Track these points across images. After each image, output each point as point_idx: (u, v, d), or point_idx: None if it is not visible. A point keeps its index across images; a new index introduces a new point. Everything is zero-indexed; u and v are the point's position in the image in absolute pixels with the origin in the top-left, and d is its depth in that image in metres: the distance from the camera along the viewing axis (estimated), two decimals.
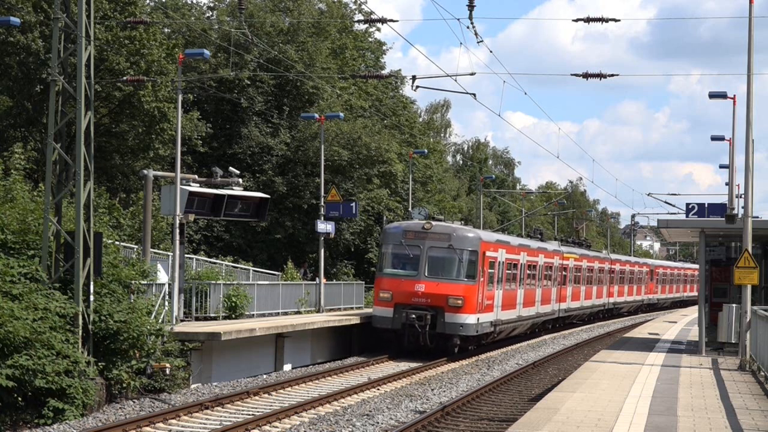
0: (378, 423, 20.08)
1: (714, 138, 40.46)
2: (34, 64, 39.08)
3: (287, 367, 30.64)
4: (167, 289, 27.08)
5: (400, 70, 64.24)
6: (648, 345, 30.67)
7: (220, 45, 47.49)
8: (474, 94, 32.44)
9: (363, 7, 56.64)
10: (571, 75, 31.10)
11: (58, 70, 22.23)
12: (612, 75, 27.57)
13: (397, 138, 55.70)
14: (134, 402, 22.37)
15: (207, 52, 29.63)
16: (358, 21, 61.58)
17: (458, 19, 26.27)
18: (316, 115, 41.60)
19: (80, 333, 21.22)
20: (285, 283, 38.24)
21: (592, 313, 59.11)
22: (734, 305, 27.10)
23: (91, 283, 21.91)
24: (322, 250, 39.15)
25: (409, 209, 40.22)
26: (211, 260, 38.76)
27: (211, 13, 54.83)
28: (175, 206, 27.97)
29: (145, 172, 29.98)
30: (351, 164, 50.33)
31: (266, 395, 23.88)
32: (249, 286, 33.98)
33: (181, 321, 28.41)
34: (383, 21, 27.12)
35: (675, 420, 15.60)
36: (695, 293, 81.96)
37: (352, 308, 41.06)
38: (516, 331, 41.07)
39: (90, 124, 22.27)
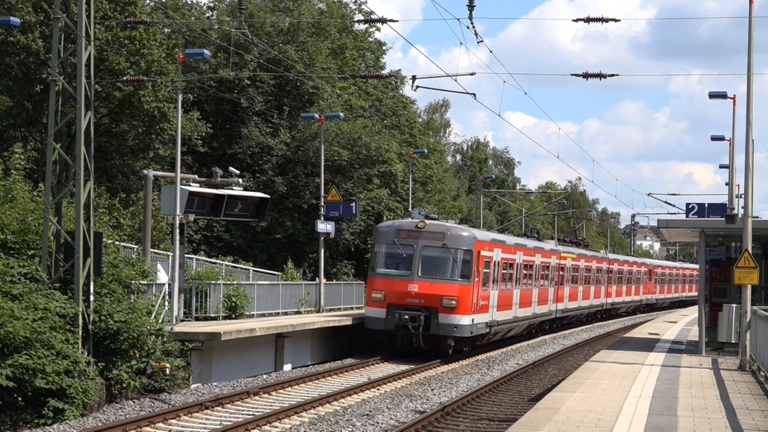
0: (378, 423, 20.08)
1: (714, 138, 40.45)
2: (34, 64, 39.08)
3: (287, 367, 30.64)
4: (167, 289, 27.09)
5: (400, 70, 64.27)
6: (648, 345, 30.67)
7: (220, 45, 47.48)
8: (474, 94, 32.45)
9: (363, 7, 56.64)
10: (571, 75, 31.13)
11: (58, 70, 22.23)
12: (612, 75, 27.56)
13: (397, 138, 55.69)
14: (134, 402, 22.37)
15: (207, 52, 29.62)
16: (358, 21, 61.59)
17: (458, 19, 26.30)
18: (316, 115, 41.58)
19: (80, 333, 21.22)
20: (285, 283, 38.24)
21: (590, 313, 58.71)
22: (734, 305, 27.10)
23: (91, 283, 21.91)
24: (322, 250, 39.15)
25: (409, 209, 40.04)
26: (211, 260, 38.75)
27: (211, 13, 54.82)
28: (175, 206, 27.97)
29: (145, 172, 29.98)
30: (351, 164, 50.32)
31: (266, 395, 23.88)
32: (249, 286, 33.97)
33: (181, 321, 28.41)
34: (383, 21, 27.12)
35: (675, 420, 15.60)
36: (694, 293, 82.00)
37: (352, 308, 41.04)
38: (512, 332, 40.57)
39: (90, 124, 22.27)
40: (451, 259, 32.62)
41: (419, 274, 32.39)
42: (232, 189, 31.11)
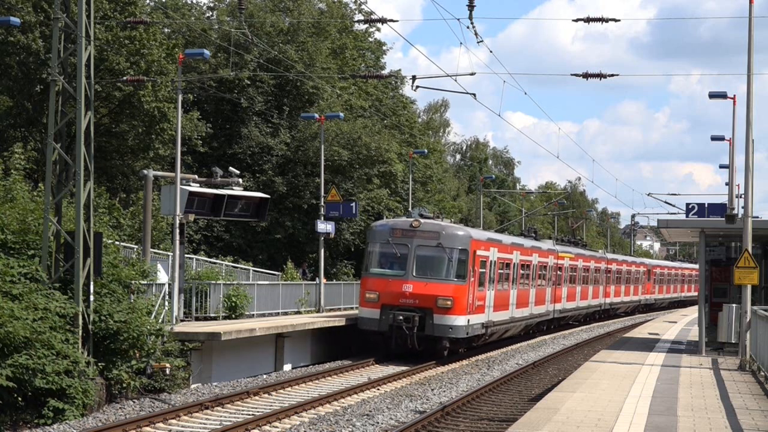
0: (378, 423, 20.08)
1: (714, 138, 40.45)
2: (34, 64, 39.09)
3: (287, 367, 30.64)
4: (167, 289, 27.09)
5: (400, 70, 64.27)
6: (648, 345, 30.67)
7: (220, 45, 47.49)
8: (474, 94, 32.42)
9: (363, 7, 56.66)
10: (571, 75, 31.13)
11: (58, 70, 22.23)
12: (612, 75, 27.55)
13: (397, 138, 55.70)
14: (134, 402, 22.37)
15: (207, 52, 29.61)
16: (358, 21, 61.58)
17: (458, 19, 26.30)
18: (316, 115, 41.57)
19: (80, 333, 21.22)
20: (285, 283, 38.23)
21: (588, 313, 58.36)
22: (734, 305, 27.11)
23: (91, 283, 21.91)
24: (322, 250, 39.14)
25: (409, 209, 39.97)
26: (211, 260, 38.75)
27: (211, 13, 54.83)
28: (175, 206, 27.97)
29: (145, 172, 29.98)
30: (351, 164, 50.32)
31: (266, 395, 23.88)
32: (249, 286, 33.96)
33: (181, 321, 28.42)
34: (383, 21, 27.13)
35: (675, 420, 15.60)
36: (693, 293, 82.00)
37: (352, 308, 40.99)
38: (509, 333, 40.02)
39: (90, 124, 22.27)
40: (446, 258, 32.05)
41: (414, 274, 31.83)
42: (232, 189, 31.11)
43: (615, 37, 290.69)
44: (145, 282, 26.37)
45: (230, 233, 48.12)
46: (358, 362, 30.89)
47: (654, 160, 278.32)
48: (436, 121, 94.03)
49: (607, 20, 25.16)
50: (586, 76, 27.27)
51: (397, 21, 28.01)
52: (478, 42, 26.32)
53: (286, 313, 35.45)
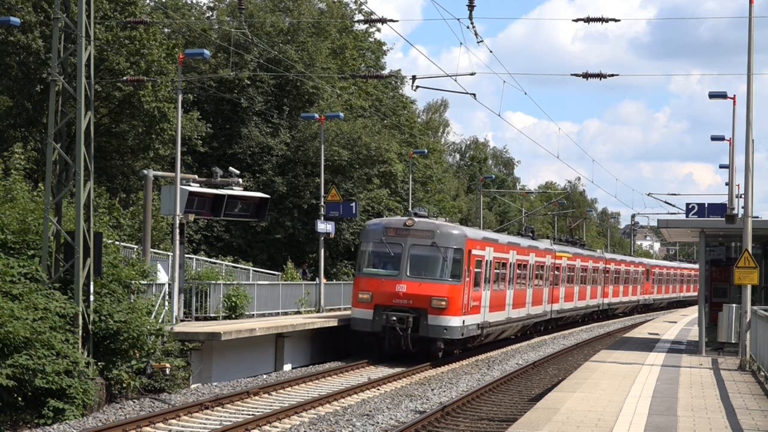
0: (378, 423, 20.08)
1: (714, 138, 40.43)
2: (34, 64, 39.10)
3: (287, 367, 30.63)
4: (167, 289, 27.09)
5: (400, 70, 64.34)
6: (648, 345, 30.67)
7: (220, 45, 47.50)
8: (474, 94, 32.40)
9: (363, 7, 56.72)
10: (571, 75, 31.12)
11: (58, 70, 22.23)
12: (612, 75, 27.54)
13: (396, 138, 55.71)
14: (134, 402, 22.37)
15: (207, 52, 29.59)
16: (358, 21, 61.61)
17: (458, 19, 26.31)
18: (316, 115, 41.55)
19: (80, 333, 21.22)
20: (285, 283, 38.22)
21: (586, 314, 57.91)
22: (734, 305, 27.11)
23: (91, 283, 21.91)
24: (322, 250, 39.13)
25: (409, 209, 39.92)
26: (211, 260, 38.76)
27: (211, 13, 54.86)
28: (175, 206, 27.97)
29: (145, 172, 29.98)
30: (351, 164, 50.33)
31: (266, 395, 23.88)
32: (249, 286, 33.96)
33: (181, 321, 28.41)
34: (383, 21, 27.13)
35: (675, 420, 15.61)
36: (693, 293, 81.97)
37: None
38: (505, 334, 39.50)
39: (90, 124, 22.27)
40: (440, 258, 31.48)
41: (407, 274, 31.27)
42: (232, 189, 31.10)
43: (615, 37, 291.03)
44: (145, 282, 26.37)
45: (230, 233, 48.13)
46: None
47: (654, 160, 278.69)
48: (436, 121, 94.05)
49: (607, 20, 25.16)
50: (586, 76, 27.27)
51: (397, 21, 28.05)
52: (478, 42, 26.36)
53: (286, 313, 35.44)
